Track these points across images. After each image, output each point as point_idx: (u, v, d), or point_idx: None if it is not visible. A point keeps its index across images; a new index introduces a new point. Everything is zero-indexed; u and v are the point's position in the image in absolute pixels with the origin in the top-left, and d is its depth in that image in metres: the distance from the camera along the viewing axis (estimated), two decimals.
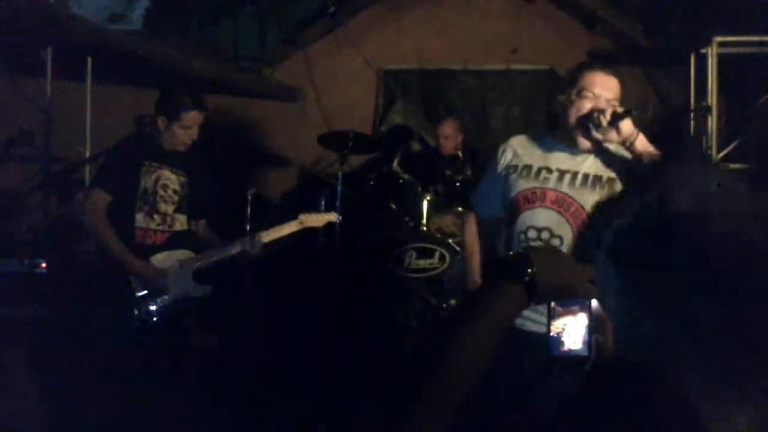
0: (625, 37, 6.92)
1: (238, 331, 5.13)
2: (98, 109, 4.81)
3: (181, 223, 3.84)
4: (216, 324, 4.67)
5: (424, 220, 5.53)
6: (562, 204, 2.77)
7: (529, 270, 1.33)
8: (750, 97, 5.86)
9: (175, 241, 3.81)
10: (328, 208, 5.06)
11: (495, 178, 3.00)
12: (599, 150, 2.79)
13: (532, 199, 2.82)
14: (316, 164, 7.08)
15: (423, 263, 5.41)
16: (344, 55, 7.27)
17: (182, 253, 3.80)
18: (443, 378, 1.27)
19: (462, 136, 6.10)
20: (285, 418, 4.15)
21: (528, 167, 2.87)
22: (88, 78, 4.75)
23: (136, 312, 3.64)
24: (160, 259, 3.72)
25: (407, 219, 5.61)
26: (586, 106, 2.73)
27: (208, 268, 3.87)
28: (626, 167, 2.76)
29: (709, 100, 5.67)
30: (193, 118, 3.73)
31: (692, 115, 5.94)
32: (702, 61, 5.76)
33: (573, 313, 1.36)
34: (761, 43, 5.59)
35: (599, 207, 2.75)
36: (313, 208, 4.19)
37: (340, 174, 5.75)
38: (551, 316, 1.38)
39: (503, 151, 2.99)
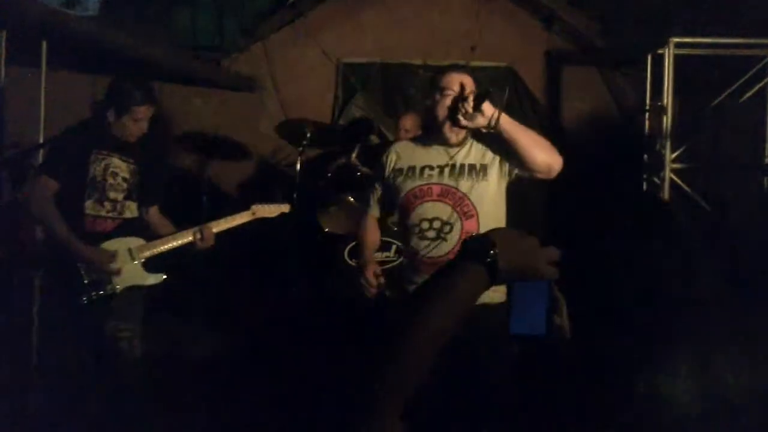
0: (583, 36, 7.00)
1: (191, 320, 5.12)
2: (53, 95, 4.73)
3: (131, 210, 3.80)
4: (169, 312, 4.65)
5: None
6: (446, 195, 3.17)
7: (491, 252, 1.35)
8: (704, 98, 5.98)
9: (125, 228, 3.77)
10: (286, 200, 5.06)
11: (381, 181, 3.39)
12: (469, 142, 3.22)
13: (420, 195, 3.21)
14: (274, 155, 7.04)
15: (379, 256, 5.41)
16: (303, 47, 7.23)
17: (133, 241, 3.76)
18: (404, 359, 1.29)
19: (421, 130, 6.11)
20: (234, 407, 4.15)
21: (412, 168, 3.26)
22: (43, 63, 4.66)
23: (84, 299, 3.58)
24: (110, 246, 3.68)
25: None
26: (449, 101, 3.09)
27: (159, 256, 3.83)
28: (493, 155, 3.20)
29: (665, 101, 5.76)
30: (143, 111, 3.72)
31: (647, 115, 6.03)
32: (658, 61, 5.85)
33: (533, 293, 1.40)
34: (717, 45, 5.70)
35: None
36: (271, 199, 4.15)
37: (297, 165, 5.73)
38: (511, 296, 1.43)
39: (387, 156, 3.36)
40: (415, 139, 3.47)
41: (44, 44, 4.49)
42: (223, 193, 6.78)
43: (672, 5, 6.06)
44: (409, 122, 6.03)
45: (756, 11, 5.53)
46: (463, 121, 3.02)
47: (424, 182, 3.20)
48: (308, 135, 5.81)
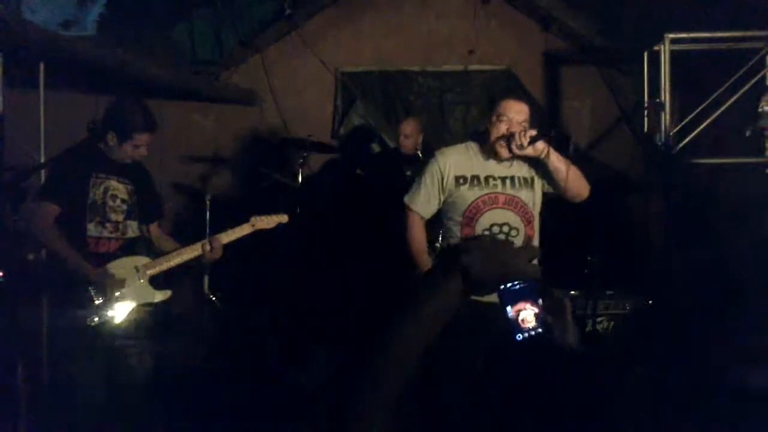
0: (580, 36, 7.00)
1: (203, 333, 5.13)
2: (53, 116, 4.75)
3: (132, 229, 3.82)
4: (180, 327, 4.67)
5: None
6: (511, 203, 3.61)
7: (462, 262, 1.36)
8: (703, 93, 5.96)
9: (129, 247, 3.79)
10: (288, 212, 5.07)
11: (440, 186, 3.69)
12: (518, 157, 3.61)
13: (489, 202, 3.60)
14: (276, 167, 7.06)
15: None
16: (301, 58, 7.26)
17: (138, 259, 3.78)
18: (383, 370, 1.31)
19: (422, 135, 6.14)
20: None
21: (476, 177, 3.64)
22: (41, 84, 4.69)
23: (96, 320, 3.60)
24: (116, 266, 3.69)
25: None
26: (503, 128, 3.56)
27: (166, 272, 3.85)
28: (535, 170, 3.69)
29: (663, 97, 5.76)
30: (144, 139, 3.74)
31: (645, 111, 6.03)
32: (655, 58, 5.85)
33: (522, 294, 1.41)
34: (713, 40, 5.70)
35: None
36: (272, 211, 4.17)
37: (299, 177, 5.75)
38: (504, 302, 1.43)
39: (445, 164, 3.68)
40: (464, 149, 3.76)
41: (42, 66, 4.51)
42: (224, 206, 6.81)
43: (667, 1, 6.05)
44: (409, 128, 6.06)
45: (751, 4, 5.52)
46: (516, 150, 3.50)
47: (491, 191, 3.61)
48: (306, 155, 5.81)
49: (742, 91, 5.59)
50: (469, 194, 3.62)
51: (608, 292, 5.05)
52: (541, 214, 3.73)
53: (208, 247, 3.89)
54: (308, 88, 7.30)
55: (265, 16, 7.08)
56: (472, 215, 3.60)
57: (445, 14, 7.28)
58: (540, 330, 1.43)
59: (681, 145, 5.77)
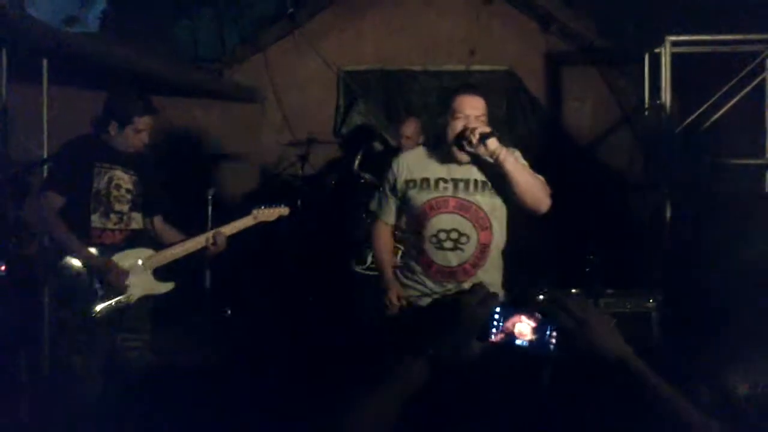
0: (581, 37, 7.02)
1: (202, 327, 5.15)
2: (56, 112, 4.77)
3: (137, 221, 3.82)
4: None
5: None
6: (462, 207, 3.31)
7: (433, 342, 1.49)
8: (703, 96, 5.98)
9: (133, 239, 3.79)
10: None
11: (394, 191, 3.47)
12: (477, 160, 3.29)
13: (436, 206, 3.33)
14: (278, 165, 7.08)
15: None
16: (303, 56, 7.28)
17: (141, 252, 3.79)
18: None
19: (423, 136, 6.14)
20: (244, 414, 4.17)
21: (426, 180, 3.37)
22: (45, 80, 4.71)
23: (97, 311, 3.61)
24: (120, 258, 3.71)
25: (367, 218, 5.63)
26: (459, 125, 3.24)
27: (169, 264, 3.86)
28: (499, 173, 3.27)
29: (663, 98, 5.77)
30: (145, 122, 3.74)
31: (646, 112, 6.05)
32: (656, 59, 5.87)
33: (507, 314, 1.53)
34: (714, 42, 5.72)
35: None
36: (274, 204, 4.18)
37: (301, 175, 5.77)
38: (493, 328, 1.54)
39: (397, 166, 3.47)
40: (424, 151, 3.52)
41: (45, 62, 4.53)
42: (226, 203, 6.82)
43: (668, 4, 6.07)
44: (410, 128, 6.06)
45: (751, 7, 5.53)
46: (468, 148, 3.20)
47: (440, 194, 3.33)
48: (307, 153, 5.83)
49: (742, 93, 5.62)
50: (417, 198, 3.37)
51: (608, 291, 5.07)
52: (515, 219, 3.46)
53: (212, 240, 3.91)
54: (310, 86, 7.32)
55: (268, 15, 7.10)
56: (419, 221, 3.35)
57: (447, 14, 7.30)
58: (542, 342, 1.51)
59: (681, 145, 5.78)
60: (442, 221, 3.31)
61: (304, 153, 6.06)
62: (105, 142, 3.74)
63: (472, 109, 3.26)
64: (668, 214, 5.69)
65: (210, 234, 3.93)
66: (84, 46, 4.86)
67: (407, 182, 3.41)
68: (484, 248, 3.31)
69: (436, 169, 3.38)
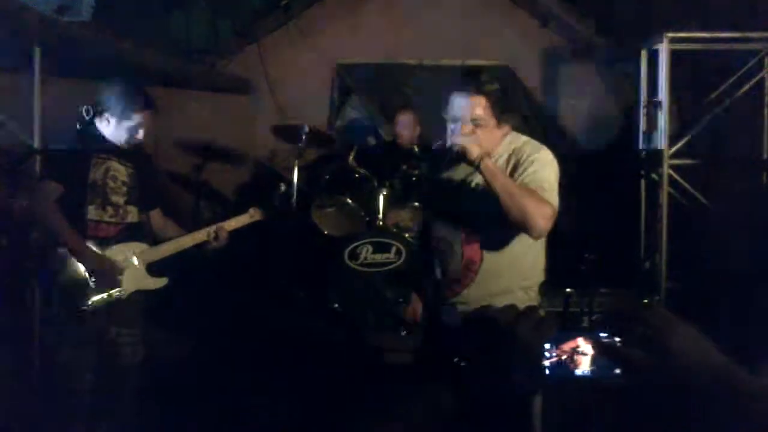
0: (579, 33, 6.99)
1: (193, 325, 5.10)
2: (47, 101, 4.71)
3: (132, 215, 3.76)
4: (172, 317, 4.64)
5: (381, 215, 5.53)
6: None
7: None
8: (700, 93, 5.97)
9: (127, 233, 3.73)
10: (283, 203, 5.03)
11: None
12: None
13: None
14: (271, 158, 7.03)
15: (379, 257, 5.40)
16: (298, 48, 7.22)
17: (136, 246, 3.73)
18: None
19: (419, 129, 6.11)
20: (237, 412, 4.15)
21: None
22: (36, 69, 4.65)
23: (89, 305, 3.55)
24: (115, 252, 3.65)
25: (363, 213, 5.60)
26: (449, 132, 3.02)
27: (163, 259, 3.81)
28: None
29: (661, 96, 5.75)
30: (143, 118, 3.68)
31: (643, 110, 6.02)
32: (654, 56, 5.84)
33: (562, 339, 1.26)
34: (713, 40, 5.69)
35: None
36: (267, 202, 4.16)
37: (295, 168, 5.72)
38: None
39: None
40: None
41: (37, 50, 4.46)
42: (219, 196, 6.77)
43: (666, 0, 6.05)
44: (406, 117, 6.05)
45: (750, 4, 5.52)
46: (456, 148, 2.89)
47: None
48: (305, 137, 5.78)
49: (740, 91, 5.60)
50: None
51: (602, 290, 5.05)
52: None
53: (213, 235, 3.87)
54: (305, 78, 7.26)
55: (262, 6, 7.04)
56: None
57: (444, 8, 7.25)
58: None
59: (679, 144, 5.77)
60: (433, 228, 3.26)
61: (299, 146, 5.99)
62: (102, 134, 3.69)
63: (464, 111, 2.98)
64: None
65: (211, 229, 3.89)
66: (77, 35, 4.79)
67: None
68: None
69: (444, 173, 3.22)
